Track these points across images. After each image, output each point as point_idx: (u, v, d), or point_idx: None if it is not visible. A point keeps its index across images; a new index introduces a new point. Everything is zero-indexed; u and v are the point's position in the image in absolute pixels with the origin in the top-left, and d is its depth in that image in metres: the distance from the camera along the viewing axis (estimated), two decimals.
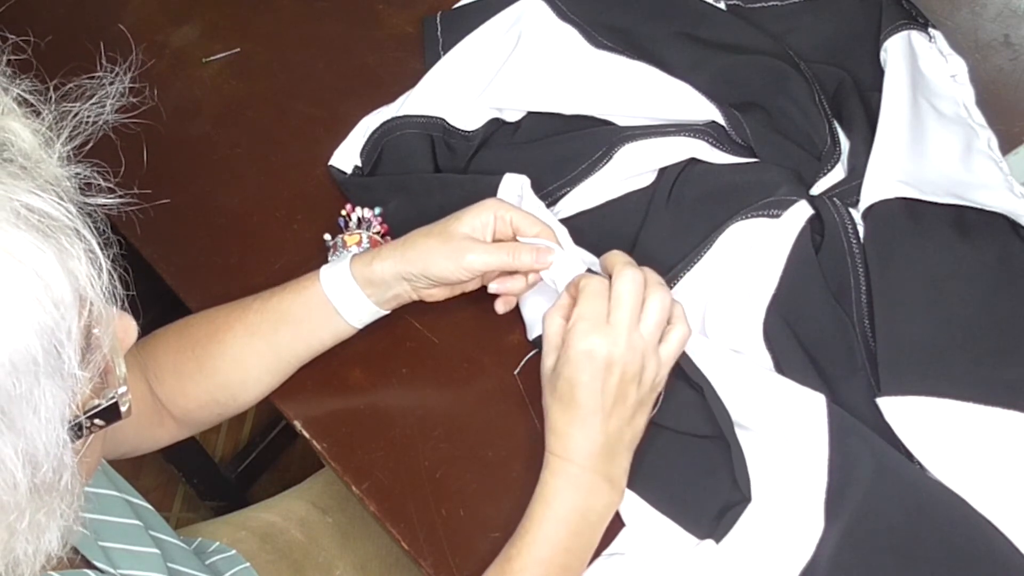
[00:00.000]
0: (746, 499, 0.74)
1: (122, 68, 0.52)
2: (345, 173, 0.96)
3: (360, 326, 0.81)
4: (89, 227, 0.46)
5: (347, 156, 0.97)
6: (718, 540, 0.73)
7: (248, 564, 0.90)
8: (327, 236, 0.90)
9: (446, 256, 0.75)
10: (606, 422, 0.71)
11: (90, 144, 0.49)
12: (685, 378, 0.77)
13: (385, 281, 0.77)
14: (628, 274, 0.71)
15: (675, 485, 0.76)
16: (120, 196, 0.48)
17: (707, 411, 0.76)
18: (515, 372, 0.83)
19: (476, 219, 0.77)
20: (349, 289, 0.78)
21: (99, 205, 0.48)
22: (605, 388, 0.71)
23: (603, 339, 0.70)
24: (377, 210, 0.90)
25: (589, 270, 0.76)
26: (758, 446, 0.76)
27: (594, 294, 0.72)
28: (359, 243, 0.88)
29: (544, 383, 0.75)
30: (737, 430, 0.76)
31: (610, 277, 0.73)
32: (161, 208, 0.95)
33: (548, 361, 0.74)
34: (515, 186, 0.86)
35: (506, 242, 0.77)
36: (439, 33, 1.03)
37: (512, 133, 0.96)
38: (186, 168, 0.99)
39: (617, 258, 0.74)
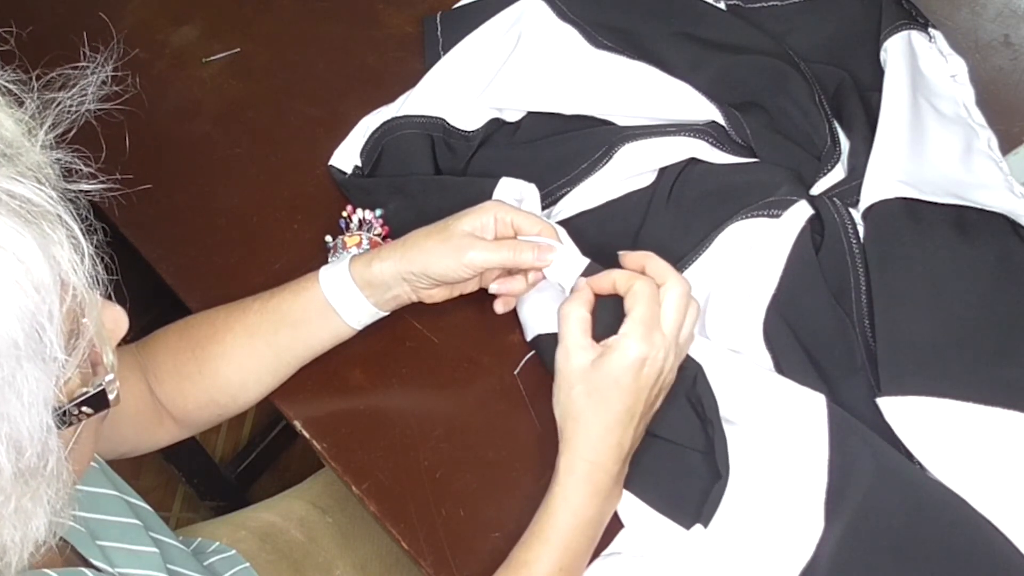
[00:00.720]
0: (723, 477, 0.74)
1: (103, 56, 0.52)
2: (345, 173, 0.96)
3: (360, 327, 0.81)
4: (71, 213, 0.46)
5: (347, 156, 0.97)
6: (705, 524, 0.73)
7: (248, 564, 0.90)
8: (328, 237, 0.90)
9: (447, 254, 0.75)
10: (637, 427, 0.72)
11: (73, 131, 0.49)
12: (682, 389, 0.77)
13: (385, 282, 0.77)
14: (682, 287, 0.72)
15: (673, 485, 0.76)
16: (102, 182, 0.48)
17: (703, 425, 0.76)
18: (515, 372, 0.83)
19: (477, 220, 0.77)
20: (348, 290, 0.78)
21: (81, 191, 0.48)
22: (649, 394, 0.72)
23: (659, 347, 0.70)
24: (378, 212, 0.90)
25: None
26: (758, 446, 0.76)
27: (651, 299, 0.71)
28: (359, 244, 0.88)
29: (572, 380, 0.72)
30: (737, 430, 0.76)
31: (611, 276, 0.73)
32: (161, 208, 0.95)
33: (581, 358, 0.72)
34: (513, 191, 0.86)
35: (508, 239, 0.77)
36: (439, 33, 1.03)
37: (512, 133, 0.96)
38: (186, 168, 0.99)
39: (662, 265, 0.74)
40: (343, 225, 0.91)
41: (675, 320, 0.72)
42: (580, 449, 0.72)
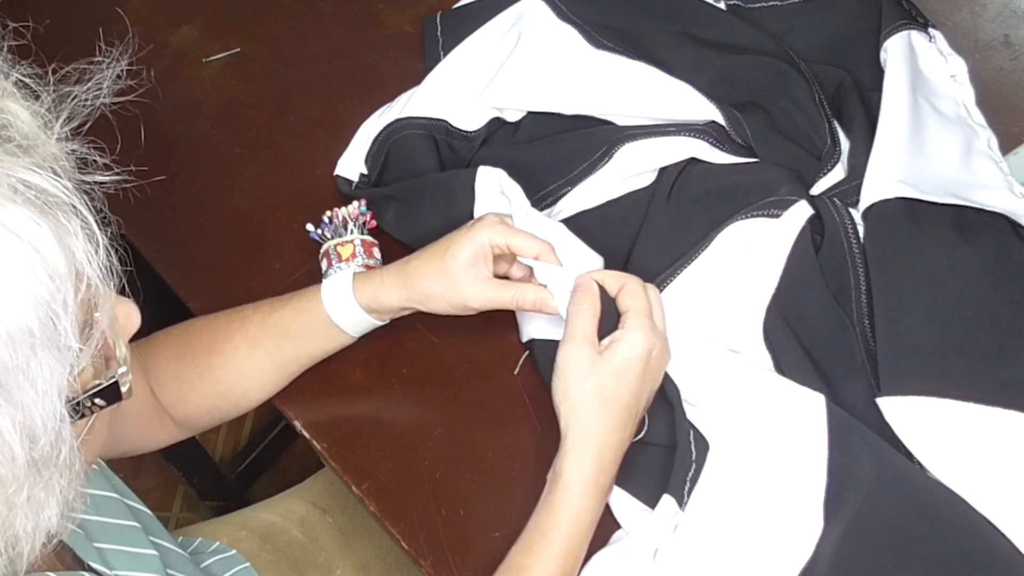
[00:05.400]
0: (679, 447, 0.75)
1: (118, 50, 0.52)
2: (351, 181, 0.95)
3: (360, 336, 0.82)
4: (87, 205, 0.47)
5: (351, 164, 0.96)
6: (674, 494, 0.73)
7: (248, 564, 0.90)
8: (309, 227, 0.89)
9: (450, 294, 0.76)
10: (635, 421, 0.73)
11: (88, 124, 0.49)
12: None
13: (391, 309, 0.79)
14: (650, 288, 0.76)
15: (658, 479, 0.76)
16: (117, 173, 0.49)
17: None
18: (515, 372, 0.83)
19: (472, 245, 0.76)
20: (353, 312, 0.78)
21: (96, 182, 0.49)
22: (652, 386, 0.74)
23: (659, 338, 0.73)
24: (364, 207, 0.90)
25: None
26: (757, 446, 0.76)
27: (644, 294, 0.75)
28: (353, 255, 0.86)
29: (584, 373, 0.71)
30: (736, 429, 0.76)
31: (602, 291, 0.75)
32: (161, 207, 0.95)
33: (590, 352, 0.71)
34: (492, 179, 0.86)
35: (509, 283, 0.77)
36: (439, 33, 1.03)
37: (512, 133, 0.96)
38: (186, 168, 0.99)
39: (613, 273, 0.76)
40: (327, 220, 0.89)
41: (661, 314, 0.75)
42: (592, 445, 0.71)
